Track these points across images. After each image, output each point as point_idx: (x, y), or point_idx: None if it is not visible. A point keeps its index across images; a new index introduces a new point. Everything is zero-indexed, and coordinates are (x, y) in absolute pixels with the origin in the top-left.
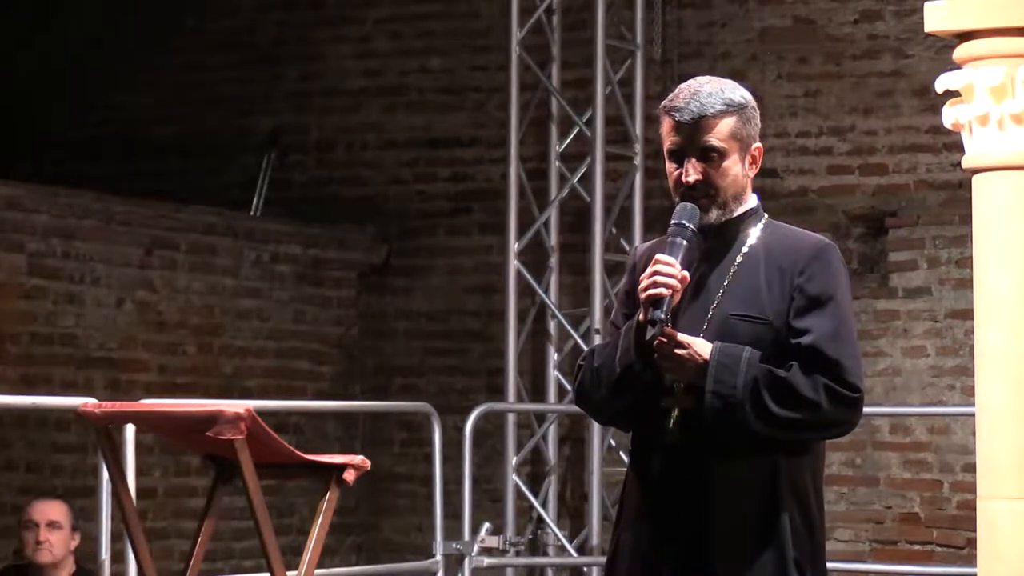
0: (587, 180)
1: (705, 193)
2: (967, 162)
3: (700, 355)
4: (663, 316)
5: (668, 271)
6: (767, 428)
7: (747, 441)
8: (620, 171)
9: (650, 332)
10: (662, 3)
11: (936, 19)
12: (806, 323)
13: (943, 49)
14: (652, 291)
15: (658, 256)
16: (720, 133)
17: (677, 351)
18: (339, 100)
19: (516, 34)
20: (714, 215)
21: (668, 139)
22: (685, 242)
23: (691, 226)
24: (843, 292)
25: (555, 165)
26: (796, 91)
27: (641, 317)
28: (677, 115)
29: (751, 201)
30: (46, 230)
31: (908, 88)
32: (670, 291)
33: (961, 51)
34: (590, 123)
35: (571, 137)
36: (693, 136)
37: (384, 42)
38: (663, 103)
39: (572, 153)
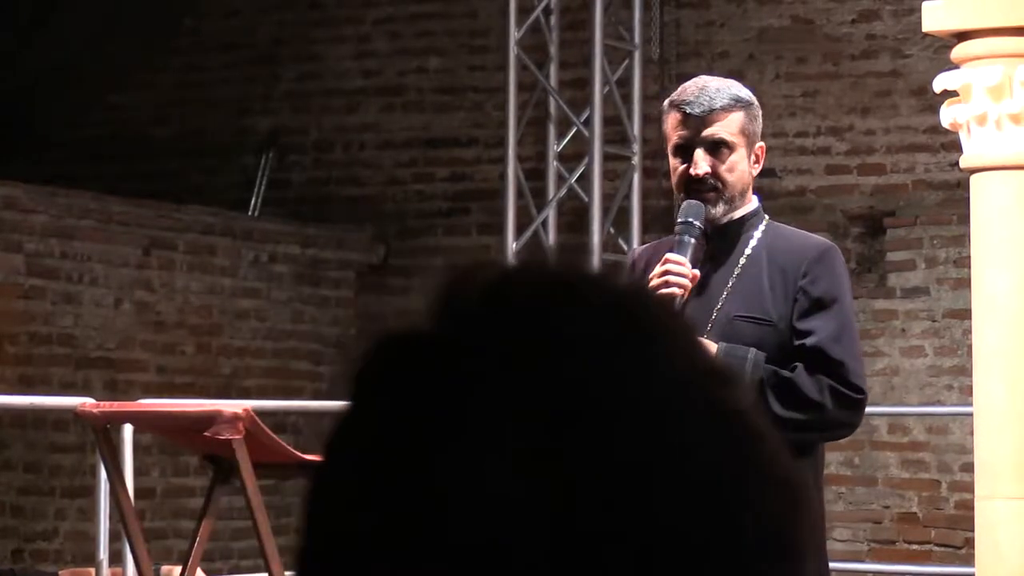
0: (585, 180)
1: (713, 187)
2: (965, 162)
3: None
4: None
5: (680, 270)
6: None
7: None
8: (618, 171)
9: None
10: (660, 3)
11: (934, 19)
12: (810, 324)
13: (941, 49)
14: (664, 291)
15: (668, 255)
16: (729, 126)
17: None
18: (337, 100)
19: (514, 34)
20: (720, 209)
21: (675, 133)
22: (693, 240)
23: (699, 223)
24: (846, 293)
25: (553, 165)
26: (794, 91)
27: None
28: (687, 108)
29: (753, 202)
30: (44, 230)
31: (906, 88)
32: (682, 291)
33: (959, 51)
34: (588, 123)
35: (569, 137)
36: (703, 128)
37: (383, 42)
38: (670, 98)
39: (570, 153)
